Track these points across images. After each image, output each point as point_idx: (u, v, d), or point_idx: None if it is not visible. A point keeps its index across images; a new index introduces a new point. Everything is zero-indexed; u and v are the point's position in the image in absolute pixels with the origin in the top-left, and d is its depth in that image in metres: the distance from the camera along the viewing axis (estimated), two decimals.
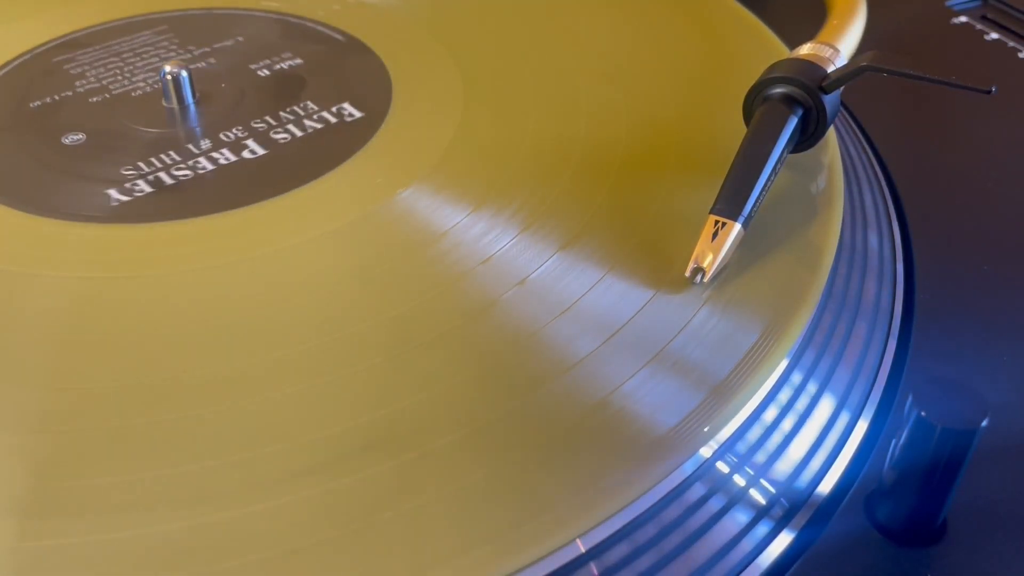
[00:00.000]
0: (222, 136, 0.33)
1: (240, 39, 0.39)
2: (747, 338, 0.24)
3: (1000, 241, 0.32)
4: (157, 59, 0.37)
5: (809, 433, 0.24)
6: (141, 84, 0.36)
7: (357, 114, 0.34)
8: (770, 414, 0.24)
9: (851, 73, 0.28)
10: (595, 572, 0.21)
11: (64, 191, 0.30)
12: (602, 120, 0.33)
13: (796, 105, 0.29)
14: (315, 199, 0.30)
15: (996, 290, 0.30)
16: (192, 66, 0.35)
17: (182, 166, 0.31)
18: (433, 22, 0.39)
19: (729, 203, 0.26)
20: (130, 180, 0.31)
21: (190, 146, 0.32)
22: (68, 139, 0.33)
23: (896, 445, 0.22)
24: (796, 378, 0.25)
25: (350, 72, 0.36)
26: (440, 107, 0.34)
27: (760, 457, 0.23)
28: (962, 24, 0.44)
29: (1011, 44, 0.42)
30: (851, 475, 0.24)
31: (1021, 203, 0.33)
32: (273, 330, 0.25)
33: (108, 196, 0.30)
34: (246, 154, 0.32)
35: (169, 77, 0.34)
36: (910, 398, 0.21)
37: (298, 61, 0.37)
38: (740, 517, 0.23)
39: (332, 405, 0.23)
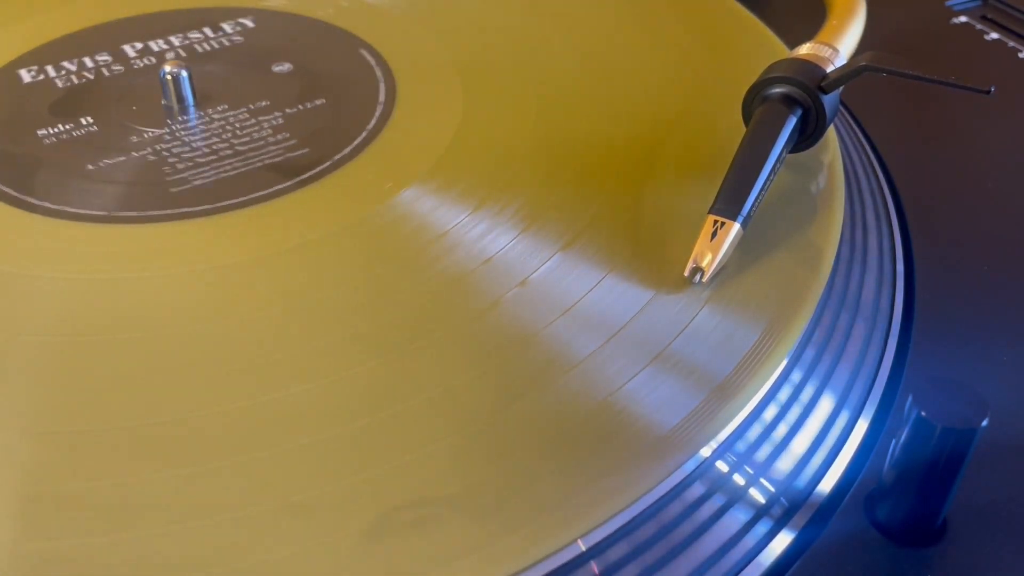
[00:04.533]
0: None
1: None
2: (747, 338, 0.24)
3: (1000, 241, 0.32)
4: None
5: (809, 433, 0.24)
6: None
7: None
8: (770, 414, 0.24)
9: (850, 73, 0.28)
10: (596, 571, 0.21)
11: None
12: (602, 120, 0.33)
13: (795, 105, 0.29)
14: (316, 200, 0.30)
15: (996, 290, 0.30)
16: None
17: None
18: (433, 22, 0.39)
19: (728, 203, 0.26)
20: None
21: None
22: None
23: (896, 445, 0.22)
24: (796, 378, 0.25)
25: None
26: (440, 107, 0.34)
27: (760, 457, 0.23)
28: (962, 24, 0.44)
29: (1011, 44, 0.42)
30: (851, 475, 0.24)
31: (1021, 203, 0.33)
32: (273, 331, 0.25)
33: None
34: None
35: (169, 77, 0.34)
36: (910, 398, 0.21)
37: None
38: (740, 516, 0.23)
39: (333, 406, 0.23)
